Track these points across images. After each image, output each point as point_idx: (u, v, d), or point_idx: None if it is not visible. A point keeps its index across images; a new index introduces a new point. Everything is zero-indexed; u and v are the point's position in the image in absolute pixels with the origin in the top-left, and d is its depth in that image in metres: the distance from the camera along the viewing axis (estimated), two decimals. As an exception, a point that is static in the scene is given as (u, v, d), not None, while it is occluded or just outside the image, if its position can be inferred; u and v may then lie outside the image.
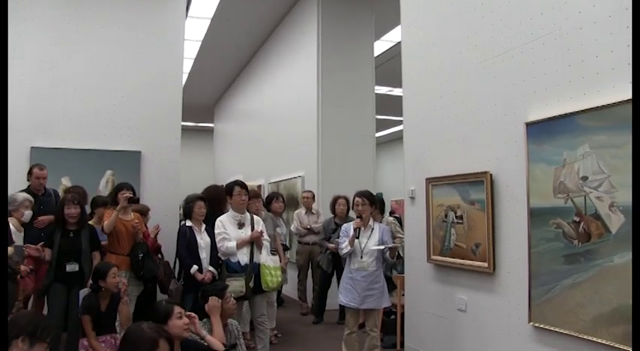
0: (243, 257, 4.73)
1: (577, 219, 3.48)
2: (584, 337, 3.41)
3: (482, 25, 4.56)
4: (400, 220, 7.55)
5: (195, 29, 10.21)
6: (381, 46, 9.97)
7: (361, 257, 4.82)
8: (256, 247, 4.81)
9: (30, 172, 5.71)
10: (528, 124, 3.90)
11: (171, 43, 7.84)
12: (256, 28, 10.56)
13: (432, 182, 5.10)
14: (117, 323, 4.53)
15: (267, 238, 5.03)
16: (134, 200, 5.37)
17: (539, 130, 3.80)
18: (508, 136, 4.18)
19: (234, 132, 14.96)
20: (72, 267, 4.82)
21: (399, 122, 6.53)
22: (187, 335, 3.23)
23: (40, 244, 4.86)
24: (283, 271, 6.28)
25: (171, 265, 5.64)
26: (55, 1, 7.23)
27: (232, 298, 3.83)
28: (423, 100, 5.39)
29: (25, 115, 6.91)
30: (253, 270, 4.71)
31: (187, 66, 12.12)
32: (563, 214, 3.58)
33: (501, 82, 4.29)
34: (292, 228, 7.66)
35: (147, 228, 5.85)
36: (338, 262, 6.72)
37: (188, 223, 5.24)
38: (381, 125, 15.11)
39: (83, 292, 4.49)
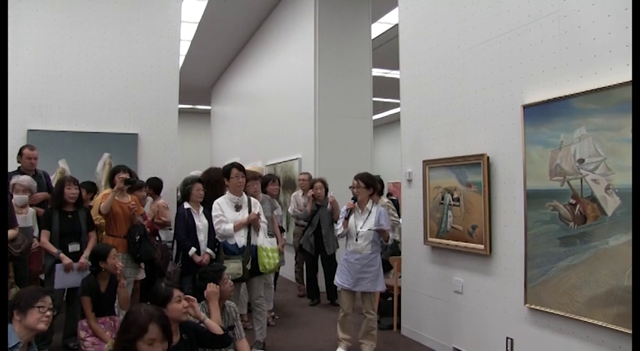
0: (240, 239, 4.74)
1: (573, 201, 3.50)
2: (579, 318, 3.45)
3: (479, 7, 4.53)
4: (397, 203, 7.56)
5: (192, 11, 10.11)
6: (378, 29, 9.91)
7: (356, 240, 4.83)
8: (253, 230, 4.82)
9: (20, 153, 5.67)
10: (525, 107, 3.90)
11: (168, 25, 7.79)
12: (253, 10, 10.47)
13: (429, 164, 5.10)
14: (116, 305, 4.56)
15: (265, 220, 5.04)
16: (131, 182, 5.36)
17: (536, 113, 3.80)
18: (505, 119, 4.19)
19: (232, 114, 14.91)
20: (74, 247, 4.87)
21: (397, 105, 6.53)
22: (186, 318, 3.25)
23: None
24: (280, 253, 6.32)
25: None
26: (50, -17, 7.17)
27: (230, 280, 3.84)
28: (421, 83, 5.37)
29: (22, 98, 6.88)
30: (251, 252, 4.72)
31: (184, 48, 12.03)
32: (560, 197, 3.60)
33: (498, 65, 4.28)
34: (289, 210, 7.67)
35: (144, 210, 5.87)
36: (321, 245, 6.79)
37: (186, 205, 5.25)
38: (379, 108, 15.08)
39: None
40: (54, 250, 4.76)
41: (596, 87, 3.30)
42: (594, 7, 3.39)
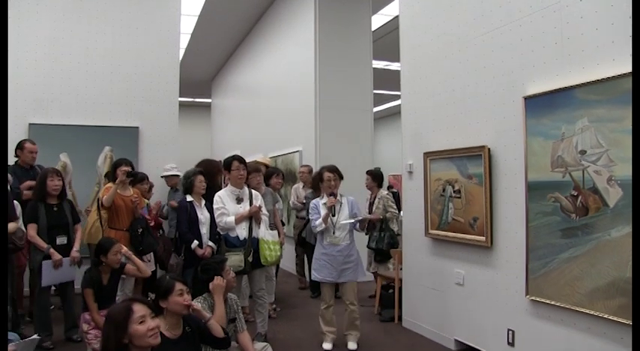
0: (241, 232, 4.74)
1: (575, 193, 3.50)
2: (581, 310, 3.45)
3: (481, -2, 4.52)
4: (398, 195, 7.56)
5: (192, 3, 10.08)
6: (378, 20, 9.87)
7: (333, 232, 4.85)
8: (255, 222, 4.82)
9: (21, 148, 5.65)
10: (527, 98, 3.89)
11: (168, 18, 7.79)
12: (254, 2, 10.43)
13: (430, 156, 5.10)
14: (117, 298, 4.57)
15: (266, 212, 5.04)
16: (133, 175, 5.37)
17: (538, 104, 3.79)
18: (506, 110, 4.17)
19: (232, 107, 14.89)
20: (61, 240, 4.87)
21: (397, 97, 6.52)
22: (187, 313, 3.25)
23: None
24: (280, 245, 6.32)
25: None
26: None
27: (232, 273, 3.84)
28: (421, 75, 5.36)
29: (23, 92, 6.88)
30: (252, 244, 4.73)
31: (184, 41, 12.00)
32: (561, 188, 3.60)
33: (500, 56, 4.26)
34: (290, 202, 7.68)
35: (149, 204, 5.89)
36: None
37: (188, 197, 5.24)
38: (379, 100, 15.04)
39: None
40: (44, 245, 4.73)
41: (598, 78, 3.28)
42: (596, -3, 3.38)
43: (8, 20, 6.31)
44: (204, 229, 5.16)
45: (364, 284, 6.73)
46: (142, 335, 2.41)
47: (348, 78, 8.30)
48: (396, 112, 13.48)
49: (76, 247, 4.91)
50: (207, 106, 18.45)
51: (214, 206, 4.82)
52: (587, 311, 3.40)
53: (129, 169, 5.29)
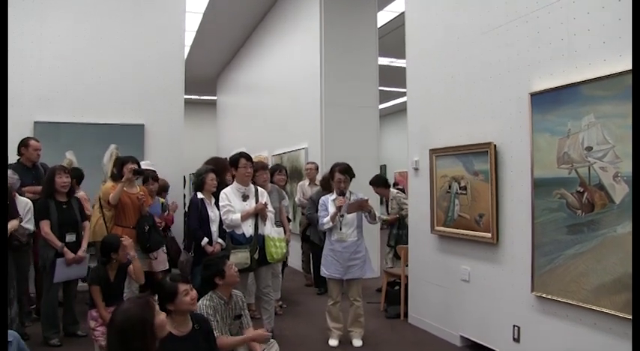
0: (247, 229, 4.75)
1: (581, 189, 3.49)
2: (587, 306, 3.45)
3: (487, -6, 4.50)
4: (404, 192, 7.57)
5: (197, 1, 10.09)
6: (384, 17, 9.85)
7: (340, 229, 4.86)
8: (261, 219, 4.82)
9: (25, 145, 5.65)
10: (533, 95, 3.88)
11: (173, 16, 7.81)
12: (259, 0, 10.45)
13: (436, 153, 5.09)
14: (124, 295, 4.59)
15: (272, 209, 5.04)
16: (139, 172, 5.38)
17: (544, 101, 3.78)
18: (512, 107, 4.17)
19: (238, 104, 14.90)
20: (70, 237, 4.88)
21: (403, 94, 6.51)
22: (195, 309, 3.28)
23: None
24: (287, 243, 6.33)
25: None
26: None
27: (234, 267, 3.85)
28: (427, 71, 5.35)
29: (28, 90, 6.90)
30: (258, 242, 4.73)
31: (189, 39, 12.01)
32: (567, 185, 3.59)
33: (506, 52, 4.25)
34: (296, 199, 7.68)
35: (168, 204, 5.93)
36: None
37: (199, 195, 5.26)
38: (385, 97, 15.02)
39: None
40: (57, 242, 4.76)
41: (605, 74, 3.27)
42: (603, -7, 3.36)
43: (14, 18, 6.37)
44: (215, 227, 5.18)
45: (374, 279, 6.76)
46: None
47: (354, 75, 8.29)
48: (401, 109, 13.44)
49: (84, 246, 4.92)
50: (213, 103, 18.47)
51: (220, 203, 4.83)
52: (593, 307, 3.40)
53: (135, 166, 5.30)
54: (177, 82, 7.76)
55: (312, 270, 7.51)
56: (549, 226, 3.76)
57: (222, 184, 5.26)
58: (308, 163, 7.74)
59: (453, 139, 4.87)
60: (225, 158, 5.65)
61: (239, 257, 4.57)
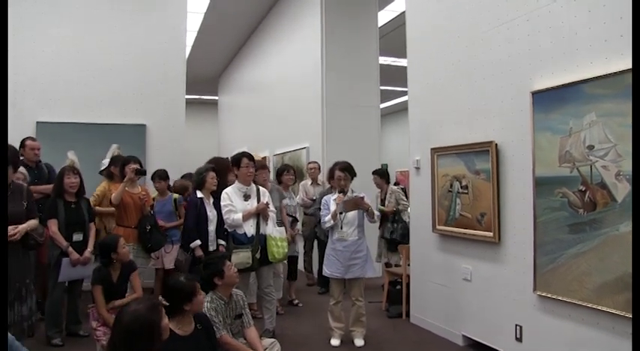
0: (249, 229, 4.75)
1: (583, 188, 3.48)
2: (589, 305, 3.44)
3: (488, -7, 4.49)
4: (405, 191, 7.57)
5: (198, 1, 10.09)
6: (385, 16, 9.84)
7: (341, 228, 4.85)
8: (262, 219, 4.82)
9: (23, 146, 5.67)
10: (534, 93, 3.87)
11: (174, 16, 7.81)
12: (259, -1, 10.46)
13: (437, 152, 5.09)
14: (127, 295, 4.59)
15: (273, 209, 5.04)
16: (141, 172, 5.39)
17: (546, 99, 3.77)
18: (514, 106, 4.16)
19: (239, 104, 14.91)
20: (77, 236, 4.88)
21: (404, 93, 6.51)
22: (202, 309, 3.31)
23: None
24: (294, 242, 6.32)
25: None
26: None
27: (234, 268, 3.85)
28: (428, 70, 5.35)
29: (31, 91, 6.91)
30: (260, 241, 4.73)
31: (190, 39, 12.01)
32: (569, 184, 3.58)
33: (507, 51, 4.24)
34: (298, 199, 7.67)
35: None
36: None
37: (199, 194, 5.27)
38: (386, 96, 15.01)
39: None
40: (64, 242, 4.75)
41: (606, 72, 3.27)
42: (604, -9, 3.36)
43: (15, 18, 6.38)
44: (212, 227, 5.17)
45: (377, 278, 6.75)
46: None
47: (355, 74, 8.29)
48: (403, 109, 13.43)
49: (90, 247, 4.92)
50: (214, 103, 18.47)
51: (222, 203, 4.83)
52: (595, 306, 3.40)
53: (137, 166, 5.30)
54: (178, 82, 7.77)
55: (313, 269, 7.52)
56: (551, 225, 3.75)
57: (222, 185, 5.25)
58: (310, 163, 7.74)
59: (455, 138, 4.87)
60: (227, 158, 5.65)
61: (241, 257, 4.58)
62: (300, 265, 8.20)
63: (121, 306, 4.24)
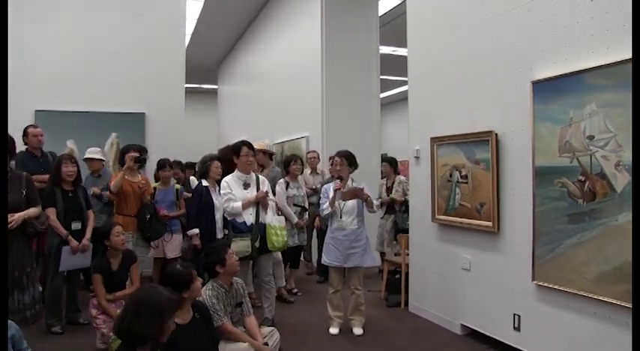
0: (248, 217, 4.76)
1: (582, 178, 3.48)
2: (587, 294, 3.46)
3: (489, -18, 4.47)
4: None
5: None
6: (385, 5, 9.79)
7: (340, 217, 4.85)
8: (262, 208, 4.83)
9: (25, 134, 5.66)
10: (535, 83, 3.86)
11: (174, 4, 7.78)
12: (259, -13, 10.41)
13: (437, 142, 5.08)
14: (127, 283, 4.61)
15: (273, 198, 5.05)
16: (141, 160, 5.38)
17: (546, 89, 3.76)
18: (514, 95, 4.15)
19: (239, 93, 14.87)
20: (76, 225, 4.88)
21: (404, 82, 6.49)
22: (200, 296, 3.32)
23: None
24: (303, 231, 6.32)
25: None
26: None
27: (235, 256, 3.87)
28: (428, 60, 5.33)
29: (29, 79, 6.89)
30: (259, 230, 4.74)
31: (190, 27, 11.96)
32: (569, 174, 3.58)
33: (508, 40, 4.23)
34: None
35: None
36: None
37: (204, 182, 5.27)
38: (386, 85, 14.98)
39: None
40: (63, 231, 4.75)
41: (607, 62, 3.26)
42: (606, -20, 3.33)
43: (14, 6, 6.33)
44: (219, 215, 5.19)
45: (374, 267, 6.77)
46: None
47: (355, 63, 8.27)
48: (403, 98, 13.41)
49: (88, 235, 4.92)
50: (214, 92, 18.43)
51: (221, 192, 4.84)
52: (594, 296, 3.41)
53: (137, 154, 5.29)
54: (178, 70, 7.75)
55: (313, 259, 7.54)
56: (550, 215, 3.76)
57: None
58: (310, 152, 7.73)
59: (454, 128, 4.86)
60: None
61: (240, 245, 4.59)
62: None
63: (120, 297, 4.28)
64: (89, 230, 4.93)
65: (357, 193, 4.79)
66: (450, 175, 4.92)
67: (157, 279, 5.72)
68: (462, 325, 4.88)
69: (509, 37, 4.21)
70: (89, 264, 4.92)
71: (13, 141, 4.56)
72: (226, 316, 3.64)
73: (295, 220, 6.19)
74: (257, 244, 4.69)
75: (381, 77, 8.73)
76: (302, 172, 6.75)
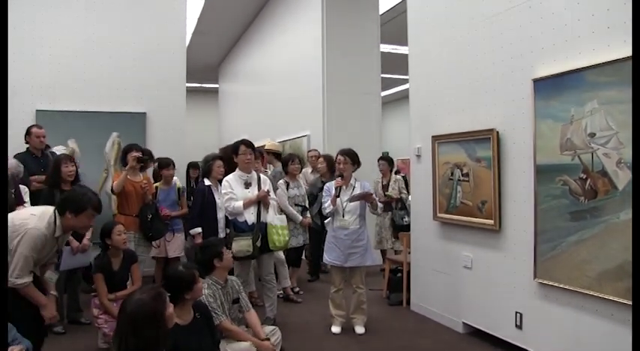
0: (250, 217, 4.76)
1: (584, 176, 3.48)
2: (589, 292, 3.45)
3: (489, -21, 4.46)
4: (406, 179, 7.59)
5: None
6: (386, 3, 9.77)
7: (343, 216, 4.85)
8: (263, 207, 4.83)
9: (28, 133, 5.66)
10: (536, 81, 3.85)
11: (174, 3, 7.76)
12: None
13: (438, 140, 5.08)
14: (128, 283, 4.61)
15: (274, 197, 5.04)
16: (144, 160, 5.38)
17: (547, 87, 3.76)
18: (515, 93, 4.14)
19: (239, 92, 14.86)
20: None
21: (405, 81, 6.49)
22: (202, 296, 3.33)
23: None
24: (306, 231, 6.31)
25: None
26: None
27: (229, 252, 3.88)
28: (429, 58, 5.32)
29: (30, 79, 6.89)
30: (260, 229, 4.74)
31: (191, 26, 11.94)
32: (570, 171, 3.58)
33: (509, 38, 4.22)
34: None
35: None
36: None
37: (207, 182, 5.28)
38: (387, 84, 14.95)
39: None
40: None
41: (609, 59, 3.25)
42: (607, -23, 3.33)
43: (14, 6, 6.34)
44: (221, 214, 5.20)
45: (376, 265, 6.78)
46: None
47: (356, 62, 8.25)
48: (404, 97, 13.41)
49: (88, 235, 4.92)
50: (215, 91, 18.42)
51: (222, 191, 4.84)
52: (595, 294, 3.40)
53: (140, 154, 5.29)
54: (178, 69, 7.74)
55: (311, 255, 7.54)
56: (552, 212, 3.75)
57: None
58: (311, 151, 7.73)
59: (456, 126, 4.85)
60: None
61: (241, 245, 4.59)
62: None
63: (122, 297, 4.28)
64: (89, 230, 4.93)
65: (367, 198, 4.81)
66: (452, 174, 4.91)
67: (160, 278, 5.73)
68: (464, 324, 4.88)
69: (510, 34, 4.20)
70: (89, 263, 4.93)
71: None
72: (224, 314, 3.65)
73: (300, 219, 6.17)
74: (258, 244, 4.69)
75: (382, 75, 8.72)
76: (301, 171, 6.74)
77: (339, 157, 4.94)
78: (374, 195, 4.93)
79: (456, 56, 4.88)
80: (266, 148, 7.26)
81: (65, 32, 7.13)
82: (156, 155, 6.41)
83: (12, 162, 4.99)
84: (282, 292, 6.06)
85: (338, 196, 4.81)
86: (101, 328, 4.27)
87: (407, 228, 6.29)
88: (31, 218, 3.18)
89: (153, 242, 5.56)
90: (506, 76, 4.26)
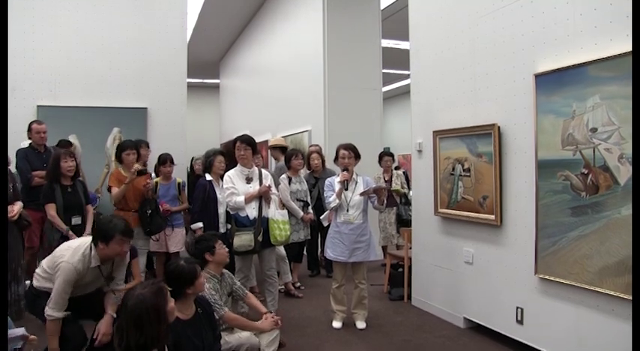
0: (251, 211, 4.75)
1: (585, 171, 3.47)
2: (590, 287, 3.45)
3: (491, -26, 4.44)
4: (407, 175, 7.60)
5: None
6: (387, -2, 9.77)
7: (347, 210, 4.85)
8: (265, 202, 4.83)
9: (29, 129, 5.68)
10: (537, 76, 3.84)
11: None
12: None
13: (440, 135, 5.07)
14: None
15: (276, 192, 5.05)
16: (143, 172, 5.38)
17: (549, 82, 3.75)
18: (516, 88, 4.13)
19: (240, 88, 14.85)
20: (76, 220, 4.89)
21: (406, 76, 6.47)
22: (203, 291, 3.33)
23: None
24: (307, 227, 6.31)
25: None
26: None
27: (224, 247, 3.89)
28: (431, 53, 5.31)
29: (31, 74, 6.89)
30: (262, 224, 4.74)
31: (192, 22, 11.93)
32: (572, 167, 3.57)
33: (510, 33, 4.21)
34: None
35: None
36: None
37: (208, 177, 5.28)
38: (388, 79, 14.94)
39: None
40: (63, 226, 4.74)
41: (611, 54, 3.24)
42: (609, -29, 3.31)
43: (15, 1, 6.34)
44: (222, 209, 5.21)
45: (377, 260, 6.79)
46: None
47: (357, 57, 8.24)
48: (405, 92, 13.38)
49: (88, 230, 4.93)
50: (216, 86, 18.41)
51: (224, 186, 4.84)
52: (596, 289, 3.40)
53: (139, 166, 5.25)
54: (179, 65, 7.75)
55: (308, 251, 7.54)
56: (553, 208, 3.75)
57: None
58: (312, 146, 7.72)
59: (457, 121, 4.84)
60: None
61: (243, 239, 4.59)
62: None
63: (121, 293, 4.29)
64: (89, 225, 4.94)
65: (378, 192, 4.82)
66: (453, 169, 4.91)
67: (161, 273, 5.73)
68: (465, 319, 4.89)
69: (512, 29, 4.19)
70: None
71: None
72: (226, 306, 3.70)
73: (301, 214, 6.17)
74: (260, 238, 4.69)
75: (383, 71, 8.72)
76: (304, 167, 6.73)
77: (343, 151, 4.93)
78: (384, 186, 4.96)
79: (458, 51, 4.87)
80: (270, 143, 7.28)
81: (66, 28, 7.12)
82: (157, 151, 6.41)
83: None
84: (283, 287, 6.07)
85: (346, 189, 4.81)
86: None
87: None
88: (67, 251, 3.31)
89: (152, 236, 5.56)
90: (507, 71, 4.25)
